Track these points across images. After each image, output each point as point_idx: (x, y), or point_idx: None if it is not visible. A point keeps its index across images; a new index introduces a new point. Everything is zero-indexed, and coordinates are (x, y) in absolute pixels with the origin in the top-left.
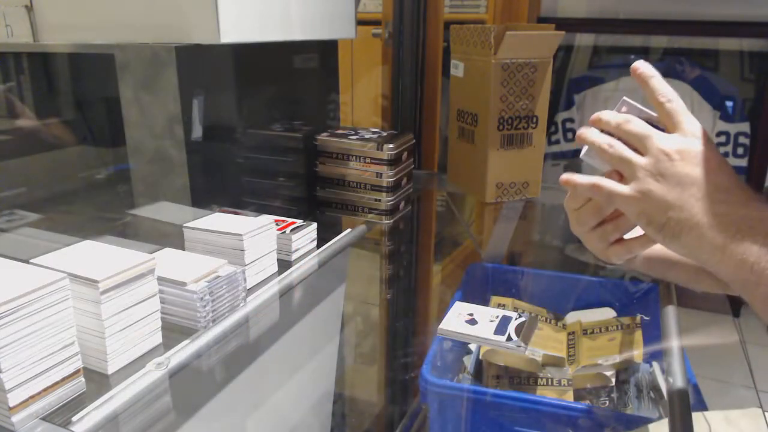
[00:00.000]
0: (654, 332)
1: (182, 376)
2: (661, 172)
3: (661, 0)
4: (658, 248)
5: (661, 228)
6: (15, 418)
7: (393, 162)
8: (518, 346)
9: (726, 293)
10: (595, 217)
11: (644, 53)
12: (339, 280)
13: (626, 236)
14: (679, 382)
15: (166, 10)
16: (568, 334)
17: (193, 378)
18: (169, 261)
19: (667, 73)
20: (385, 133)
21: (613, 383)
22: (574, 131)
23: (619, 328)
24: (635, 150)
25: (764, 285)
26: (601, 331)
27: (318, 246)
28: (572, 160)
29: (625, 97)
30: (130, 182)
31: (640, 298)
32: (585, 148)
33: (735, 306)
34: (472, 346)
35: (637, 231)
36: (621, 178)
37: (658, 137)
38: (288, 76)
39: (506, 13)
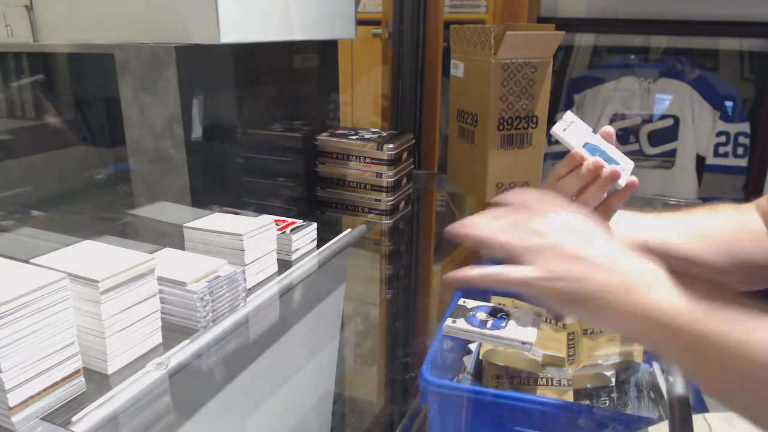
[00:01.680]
0: None
1: (182, 376)
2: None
3: (661, 0)
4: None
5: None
6: (15, 418)
7: (393, 162)
8: (524, 343)
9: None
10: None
11: (644, 53)
12: (339, 280)
13: None
14: (679, 383)
15: (166, 10)
16: (568, 334)
17: (193, 378)
18: (169, 261)
19: (667, 73)
20: (385, 133)
21: (613, 383)
22: None
23: None
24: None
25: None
26: (601, 331)
27: (318, 246)
28: None
29: (569, 111)
30: (130, 182)
31: None
32: (557, 124)
33: None
34: (473, 346)
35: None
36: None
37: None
38: (288, 76)
39: (506, 13)
